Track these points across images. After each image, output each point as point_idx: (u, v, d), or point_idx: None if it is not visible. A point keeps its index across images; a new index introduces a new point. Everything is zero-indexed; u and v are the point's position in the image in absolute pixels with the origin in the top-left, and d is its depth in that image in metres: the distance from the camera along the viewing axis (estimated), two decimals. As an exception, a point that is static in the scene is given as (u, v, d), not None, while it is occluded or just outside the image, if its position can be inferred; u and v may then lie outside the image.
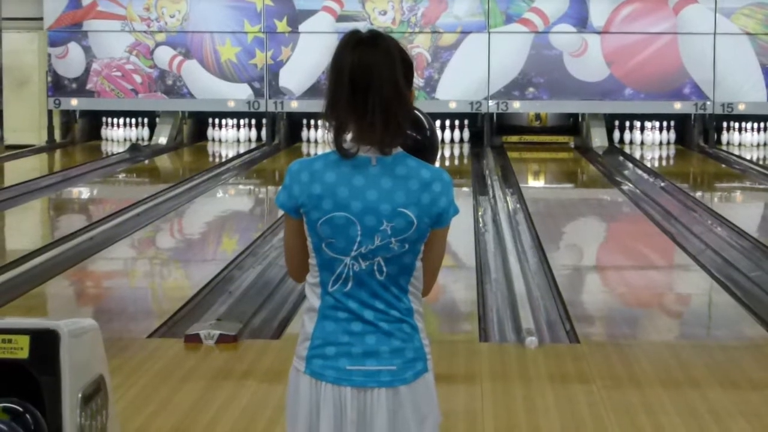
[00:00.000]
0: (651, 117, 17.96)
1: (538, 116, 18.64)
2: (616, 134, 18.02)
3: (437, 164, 3.00)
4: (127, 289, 8.29)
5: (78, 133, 18.47)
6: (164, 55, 18.15)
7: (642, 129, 18.03)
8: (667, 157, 17.29)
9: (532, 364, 5.82)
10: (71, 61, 18.21)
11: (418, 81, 16.87)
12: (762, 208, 12.99)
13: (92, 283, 8.51)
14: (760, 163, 15.96)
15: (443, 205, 2.83)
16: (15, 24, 18.33)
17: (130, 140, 18.29)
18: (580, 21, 17.67)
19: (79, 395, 2.80)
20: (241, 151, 17.40)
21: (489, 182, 13.53)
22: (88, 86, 18.17)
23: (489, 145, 17.41)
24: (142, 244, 10.12)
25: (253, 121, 18.32)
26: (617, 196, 13.10)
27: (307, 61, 17.72)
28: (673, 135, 18.03)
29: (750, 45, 17.61)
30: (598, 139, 17.66)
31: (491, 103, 17.68)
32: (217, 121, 18.41)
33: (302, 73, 17.82)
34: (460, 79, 17.74)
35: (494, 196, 12.24)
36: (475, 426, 4.93)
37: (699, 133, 17.74)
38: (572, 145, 18.12)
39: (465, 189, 13.08)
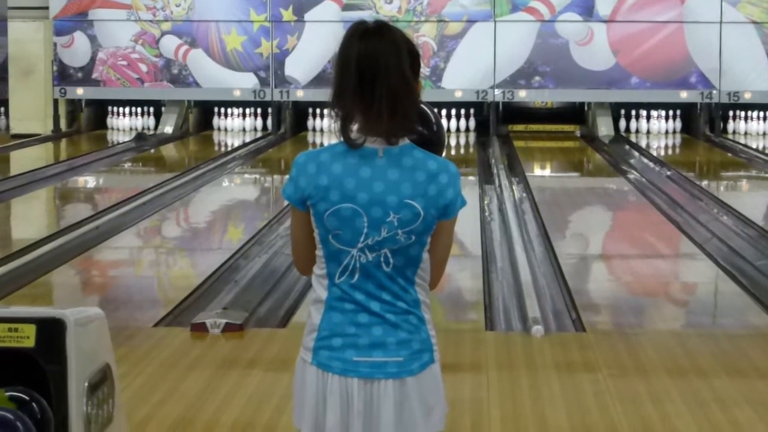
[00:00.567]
0: (657, 106, 17.93)
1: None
2: (622, 123, 17.98)
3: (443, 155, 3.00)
4: (133, 278, 8.30)
5: (84, 122, 18.48)
6: (170, 44, 18.14)
7: (648, 118, 17.99)
8: (673, 146, 17.28)
9: (538, 353, 5.82)
10: (77, 50, 18.20)
11: (424, 69, 16.84)
12: (768, 197, 12.98)
13: (98, 272, 8.52)
14: (766, 151, 15.93)
15: (450, 197, 2.82)
16: (21, 13, 18.32)
17: (136, 129, 18.30)
18: (586, 10, 17.63)
19: (86, 384, 2.80)
20: (247, 140, 17.40)
21: (495, 171, 13.51)
22: (94, 75, 18.17)
23: (495, 134, 17.39)
24: (148, 233, 10.13)
25: (259, 110, 18.32)
26: (623, 184, 13.09)
27: (313, 50, 17.71)
28: (679, 124, 18.00)
29: (756, 34, 17.57)
30: (604, 128, 17.63)
31: (497, 92, 17.65)
32: (222, 110, 18.41)
33: (308, 62, 17.80)
34: (466, 68, 17.71)
35: (500, 185, 12.22)
36: (481, 415, 4.93)
37: (705, 122, 17.70)
38: (578, 133, 18.11)
39: (471, 178, 13.06)
